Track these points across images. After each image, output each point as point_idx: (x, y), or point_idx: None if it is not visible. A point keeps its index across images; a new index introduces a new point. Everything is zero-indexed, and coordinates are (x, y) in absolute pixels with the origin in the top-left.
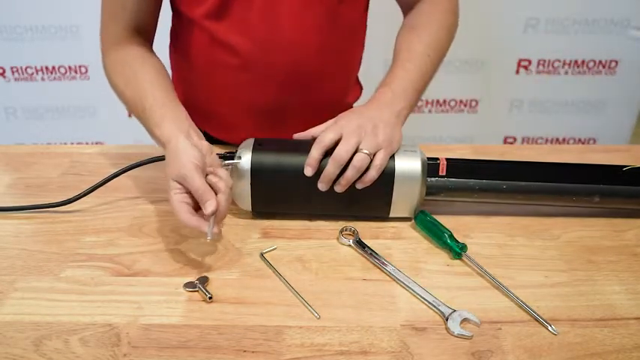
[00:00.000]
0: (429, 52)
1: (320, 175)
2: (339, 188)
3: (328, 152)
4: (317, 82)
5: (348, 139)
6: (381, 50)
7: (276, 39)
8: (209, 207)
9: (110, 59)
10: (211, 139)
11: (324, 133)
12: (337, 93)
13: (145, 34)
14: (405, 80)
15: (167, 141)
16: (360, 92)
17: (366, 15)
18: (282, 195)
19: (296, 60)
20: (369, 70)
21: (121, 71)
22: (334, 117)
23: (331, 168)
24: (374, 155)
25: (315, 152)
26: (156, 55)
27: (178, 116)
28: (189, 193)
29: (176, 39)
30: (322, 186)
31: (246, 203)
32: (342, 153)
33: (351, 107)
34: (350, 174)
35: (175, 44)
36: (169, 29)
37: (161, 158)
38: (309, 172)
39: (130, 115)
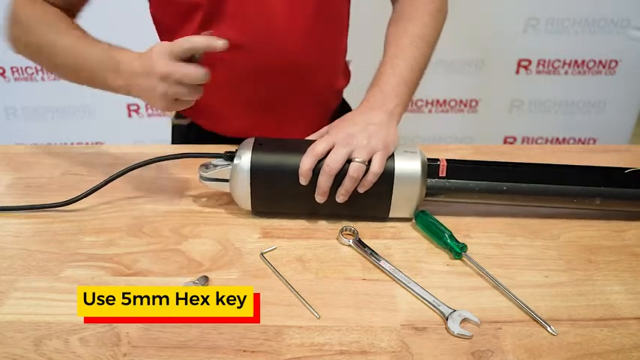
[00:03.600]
0: (417, 42)
1: (317, 181)
2: (340, 199)
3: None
4: (306, 69)
5: (338, 149)
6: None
7: (268, 28)
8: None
9: (23, 16)
10: (203, 132)
11: (315, 144)
12: (326, 80)
13: (71, 7)
14: (395, 77)
15: (136, 57)
16: (348, 79)
17: (350, 1)
18: (282, 195)
19: (286, 48)
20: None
21: (47, 29)
22: (323, 104)
23: (323, 179)
24: (371, 160)
25: (306, 163)
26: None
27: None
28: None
29: (164, 30)
30: (320, 198)
31: (246, 203)
32: (331, 163)
33: (340, 94)
34: (348, 184)
35: (163, 36)
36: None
37: (162, 159)
38: (303, 182)
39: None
